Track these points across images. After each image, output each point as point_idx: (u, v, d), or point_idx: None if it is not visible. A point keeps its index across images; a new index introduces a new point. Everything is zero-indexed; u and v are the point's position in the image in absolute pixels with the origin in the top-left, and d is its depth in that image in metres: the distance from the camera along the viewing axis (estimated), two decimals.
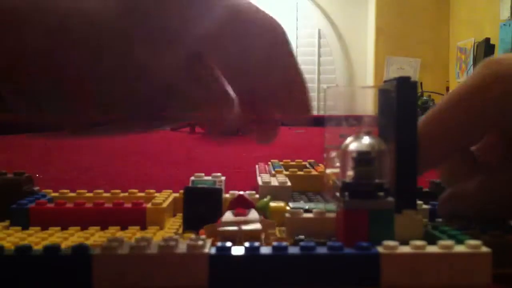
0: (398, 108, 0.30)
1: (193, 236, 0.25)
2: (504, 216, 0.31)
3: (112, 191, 0.42)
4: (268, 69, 0.28)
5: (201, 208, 0.33)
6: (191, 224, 0.33)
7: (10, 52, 0.24)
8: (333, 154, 0.31)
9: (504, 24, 3.06)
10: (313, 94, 3.99)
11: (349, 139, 0.27)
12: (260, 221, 0.29)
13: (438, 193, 0.35)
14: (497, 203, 0.30)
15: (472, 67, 3.24)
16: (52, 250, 0.23)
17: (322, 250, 0.23)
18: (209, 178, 0.42)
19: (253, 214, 0.30)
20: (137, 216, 0.36)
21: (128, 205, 0.37)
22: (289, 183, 0.43)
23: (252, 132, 0.30)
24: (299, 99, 0.29)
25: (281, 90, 0.29)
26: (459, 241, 0.25)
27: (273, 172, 0.49)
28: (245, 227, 0.27)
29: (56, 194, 0.41)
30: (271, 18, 0.28)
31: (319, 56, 4.09)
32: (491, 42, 2.98)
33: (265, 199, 0.36)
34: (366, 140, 0.27)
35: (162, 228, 0.36)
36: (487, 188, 0.31)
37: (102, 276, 0.23)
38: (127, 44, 0.25)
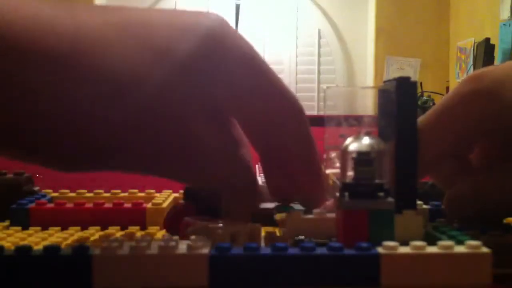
0: (398, 108, 0.30)
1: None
2: (502, 216, 0.31)
3: (112, 191, 0.42)
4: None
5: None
6: None
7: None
8: (333, 154, 0.31)
9: (504, 24, 3.06)
10: (313, 94, 3.99)
11: (349, 139, 0.27)
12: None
13: (431, 194, 0.35)
14: (494, 203, 0.30)
15: (472, 67, 3.24)
16: (52, 250, 0.23)
17: (322, 250, 0.23)
18: None
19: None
20: (137, 216, 0.36)
21: (128, 205, 0.37)
22: None
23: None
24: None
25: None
26: (459, 242, 0.25)
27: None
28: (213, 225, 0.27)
29: (56, 194, 0.41)
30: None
31: (319, 56, 4.09)
32: (491, 42, 2.98)
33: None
34: (366, 140, 0.27)
35: (162, 228, 0.36)
36: (482, 188, 0.31)
37: (102, 276, 0.23)
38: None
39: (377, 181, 0.26)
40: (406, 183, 0.30)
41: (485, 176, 0.31)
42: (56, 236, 0.33)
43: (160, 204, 0.37)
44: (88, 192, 0.41)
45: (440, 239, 0.27)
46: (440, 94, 3.11)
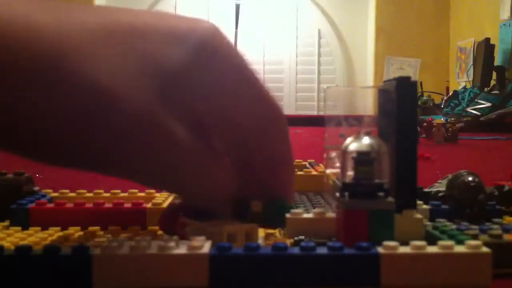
0: (398, 108, 0.30)
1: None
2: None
3: (112, 191, 0.42)
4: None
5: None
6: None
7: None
8: (333, 154, 0.31)
9: (504, 24, 3.06)
10: (313, 94, 3.99)
11: (349, 139, 0.27)
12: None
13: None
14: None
15: (472, 67, 3.24)
16: (52, 250, 0.23)
17: (322, 250, 0.23)
18: None
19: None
20: (137, 216, 0.36)
21: (128, 205, 0.37)
22: None
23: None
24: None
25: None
26: (459, 241, 0.25)
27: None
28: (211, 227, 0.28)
29: (56, 194, 0.41)
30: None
31: (319, 56, 4.09)
32: (491, 42, 2.98)
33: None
34: (366, 140, 0.27)
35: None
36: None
37: (102, 276, 0.23)
38: None
39: (377, 181, 0.26)
40: (406, 183, 0.30)
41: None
42: (56, 236, 0.33)
43: (160, 204, 0.37)
44: (88, 192, 0.41)
45: (440, 238, 0.27)
46: (440, 94, 3.10)
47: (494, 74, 2.79)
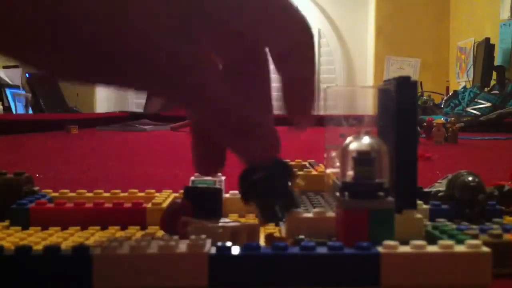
0: (398, 108, 0.30)
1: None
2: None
3: (112, 191, 0.42)
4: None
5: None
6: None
7: None
8: (333, 154, 0.31)
9: (504, 24, 3.06)
10: None
11: (349, 139, 0.27)
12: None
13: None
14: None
15: (472, 67, 3.24)
16: (52, 250, 0.23)
17: (322, 250, 0.23)
18: (209, 178, 0.42)
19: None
20: (137, 216, 0.36)
21: (128, 205, 0.37)
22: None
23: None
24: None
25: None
26: (459, 241, 0.25)
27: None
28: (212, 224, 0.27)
29: (56, 194, 0.41)
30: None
31: (319, 56, 4.09)
32: (491, 42, 2.98)
33: None
34: (366, 140, 0.27)
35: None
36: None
37: (102, 276, 0.23)
38: None
39: (377, 181, 0.26)
40: (406, 183, 0.30)
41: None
42: (56, 236, 0.33)
43: (160, 204, 0.37)
44: (88, 192, 0.41)
45: (440, 238, 0.27)
46: (440, 94, 3.11)
47: (494, 74, 2.80)
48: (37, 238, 0.32)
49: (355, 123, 0.31)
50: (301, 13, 0.27)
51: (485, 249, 0.24)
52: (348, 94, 0.35)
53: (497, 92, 2.38)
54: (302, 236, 0.29)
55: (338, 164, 0.28)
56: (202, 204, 0.33)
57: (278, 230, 0.34)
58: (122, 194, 0.41)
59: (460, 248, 0.24)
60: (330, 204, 0.33)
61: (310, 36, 0.27)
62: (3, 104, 3.38)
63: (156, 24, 0.23)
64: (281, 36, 0.27)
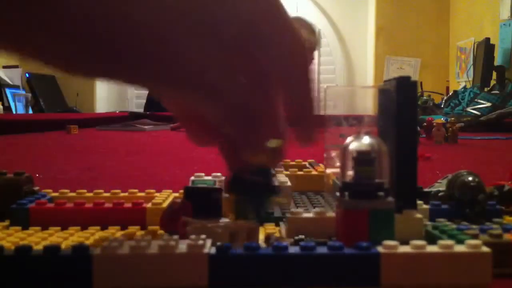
0: (398, 108, 0.30)
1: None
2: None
3: (112, 191, 0.42)
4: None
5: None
6: None
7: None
8: (333, 154, 0.31)
9: (504, 24, 3.06)
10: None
11: (349, 139, 0.27)
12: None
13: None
14: None
15: (472, 67, 3.24)
16: (52, 250, 0.23)
17: (322, 250, 0.23)
18: (209, 178, 0.42)
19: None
20: (137, 216, 0.36)
21: (128, 205, 0.37)
22: (289, 183, 0.43)
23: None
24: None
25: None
26: (459, 241, 0.25)
27: (273, 172, 0.49)
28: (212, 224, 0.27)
29: (56, 194, 0.41)
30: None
31: (319, 56, 4.09)
32: (491, 42, 2.98)
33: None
34: (366, 140, 0.27)
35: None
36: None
37: (102, 276, 0.23)
38: None
39: (377, 181, 0.26)
40: (406, 183, 0.30)
41: None
42: (56, 236, 0.33)
43: (160, 204, 0.37)
44: (88, 192, 0.41)
45: (440, 238, 0.27)
46: (440, 94, 3.11)
47: (494, 74, 2.80)
48: (37, 238, 0.32)
49: (355, 123, 0.30)
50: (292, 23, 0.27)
51: (485, 249, 0.24)
52: (348, 94, 0.35)
53: (497, 92, 2.38)
54: (302, 236, 0.29)
55: (338, 164, 0.28)
56: (202, 204, 0.33)
57: (278, 230, 0.34)
58: (122, 194, 0.41)
59: (460, 248, 0.24)
60: (330, 204, 0.33)
61: (304, 56, 0.28)
62: (3, 104, 3.38)
63: (172, 22, 0.24)
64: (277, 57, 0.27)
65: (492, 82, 2.72)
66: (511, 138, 1.65)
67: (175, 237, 0.25)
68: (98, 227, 0.35)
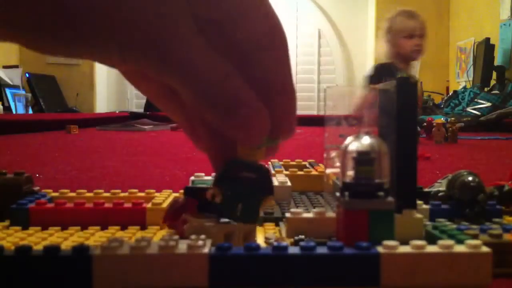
0: (398, 108, 0.30)
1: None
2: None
3: (112, 191, 0.42)
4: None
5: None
6: None
7: None
8: (333, 154, 0.31)
9: (504, 24, 3.06)
10: (313, 94, 3.99)
11: (349, 139, 0.27)
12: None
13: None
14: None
15: (472, 67, 3.24)
16: (52, 250, 0.23)
17: (322, 250, 0.23)
18: (209, 178, 0.42)
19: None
20: (137, 216, 0.36)
21: (128, 205, 0.37)
22: (289, 183, 0.43)
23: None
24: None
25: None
26: (459, 241, 0.25)
27: (273, 172, 0.49)
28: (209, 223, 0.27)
29: (56, 194, 0.41)
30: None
31: (319, 56, 4.09)
32: (491, 42, 2.99)
33: None
34: (366, 140, 0.27)
35: (162, 228, 0.36)
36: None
37: (102, 276, 0.23)
38: None
39: (377, 181, 0.26)
40: (406, 183, 0.30)
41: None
42: (56, 236, 0.33)
43: (160, 204, 0.37)
44: (88, 192, 0.41)
45: (440, 238, 0.27)
46: (440, 94, 3.11)
47: (494, 74, 2.80)
48: (37, 238, 0.32)
49: (355, 123, 0.30)
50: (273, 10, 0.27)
51: (485, 249, 0.24)
52: (348, 94, 0.35)
53: (497, 92, 2.38)
54: (302, 236, 0.29)
55: (338, 164, 0.28)
56: (202, 204, 0.33)
57: (278, 230, 0.34)
58: (122, 194, 0.41)
59: (460, 248, 0.24)
60: (330, 204, 0.33)
61: (283, 34, 0.27)
62: (3, 104, 3.38)
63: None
64: (255, 31, 0.27)
65: (492, 82, 2.72)
66: (511, 138, 1.65)
67: (175, 237, 0.25)
68: (98, 227, 0.35)
